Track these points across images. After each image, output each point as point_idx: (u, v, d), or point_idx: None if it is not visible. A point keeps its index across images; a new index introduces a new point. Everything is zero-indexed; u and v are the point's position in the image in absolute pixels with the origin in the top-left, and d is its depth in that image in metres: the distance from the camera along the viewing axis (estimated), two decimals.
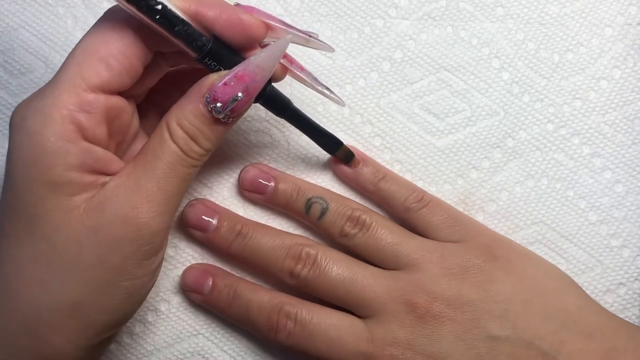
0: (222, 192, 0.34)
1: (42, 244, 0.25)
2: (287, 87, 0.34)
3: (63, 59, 0.33)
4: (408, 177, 0.34)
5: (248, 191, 0.33)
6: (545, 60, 0.35)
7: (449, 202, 0.34)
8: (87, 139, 0.25)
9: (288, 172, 0.34)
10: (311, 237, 0.34)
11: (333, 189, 0.34)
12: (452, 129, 0.34)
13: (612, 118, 0.34)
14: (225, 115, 0.26)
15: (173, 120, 0.26)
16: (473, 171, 0.34)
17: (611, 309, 0.34)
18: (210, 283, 0.32)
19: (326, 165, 0.34)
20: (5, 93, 0.34)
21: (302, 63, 0.34)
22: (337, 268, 0.31)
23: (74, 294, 0.25)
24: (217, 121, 0.26)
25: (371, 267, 0.32)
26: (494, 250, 0.31)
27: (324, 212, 0.32)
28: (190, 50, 0.25)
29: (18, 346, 0.25)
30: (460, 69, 0.34)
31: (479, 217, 0.34)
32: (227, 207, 0.34)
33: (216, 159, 0.34)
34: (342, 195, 0.33)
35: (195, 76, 0.29)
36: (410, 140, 0.34)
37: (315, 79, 0.30)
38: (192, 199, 0.33)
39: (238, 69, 0.25)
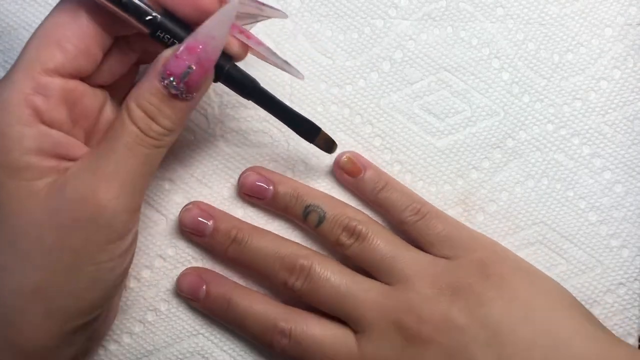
0: (222, 192, 0.34)
1: (2, 227, 0.24)
2: (287, 87, 0.34)
3: None
4: (408, 177, 0.34)
5: (248, 195, 0.33)
6: (545, 60, 0.35)
7: (449, 202, 0.34)
8: (44, 122, 0.24)
9: (288, 172, 0.34)
10: (310, 239, 0.34)
11: (332, 190, 0.34)
12: (452, 130, 0.34)
13: (612, 118, 0.34)
14: (182, 91, 0.25)
15: (131, 101, 0.25)
16: (473, 171, 0.34)
17: (612, 309, 0.34)
18: (204, 290, 0.32)
19: (326, 166, 0.34)
20: None
21: (302, 63, 0.34)
22: (331, 281, 0.31)
23: (36, 277, 0.25)
24: (174, 97, 0.25)
25: (366, 280, 0.32)
26: (487, 268, 0.31)
27: (321, 220, 0.32)
28: (142, 26, 0.25)
29: None
30: (460, 69, 0.34)
31: (479, 218, 0.34)
32: (227, 207, 0.34)
33: (216, 159, 0.34)
34: (340, 202, 0.33)
35: None
36: (410, 140, 0.34)
37: (274, 54, 0.28)
38: (188, 202, 0.33)
39: (188, 40, 0.25)
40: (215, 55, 0.25)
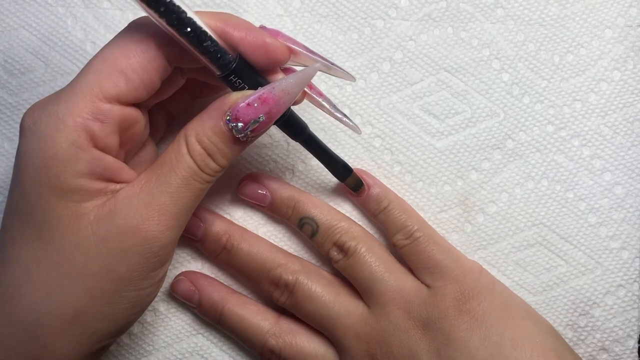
0: (222, 193, 0.34)
1: (49, 249, 0.24)
2: None
3: (63, 59, 0.34)
4: (408, 178, 0.34)
5: (247, 199, 0.33)
6: (546, 61, 0.34)
7: (448, 203, 0.34)
8: (98, 147, 0.25)
9: (287, 172, 0.34)
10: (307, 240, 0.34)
11: (330, 192, 0.34)
12: (452, 130, 0.34)
13: (612, 120, 0.34)
14: (245, 135, 0.26)
15: (192, 135, 0.26)
16: (473, 172, 0.34)
17: (611, 311, 0.34)
18: (197, 298, 0.32)
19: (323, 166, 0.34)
20: (5, 93, 0.34)
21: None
22: (312, 301, 0.31)
23: (78, 301, 0.25)
24: (236, 140, 0.26)
25: (348, 300, 0.32)
26: (462, 303, 0.30)
27: (314, 233, 0.32)
28: (215, 67, 0.25)
29: (18, 350, 0.25)
30: (461, 70, 0.34)
31: (479, 219, 0.34)
32: (227, 207, 0.34)
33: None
34: (336, 214, 0.33)
35: (205, 84, 0.29)
36: (410, 141, 0.34)
37: (334, 105, 0.30)
38: None
39: (264, 90, 0.25)
40: (285, 108, 0.26)
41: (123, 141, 0.26)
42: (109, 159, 0.25)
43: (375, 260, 0.32)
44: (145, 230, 0.25)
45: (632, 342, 0.34)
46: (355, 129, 0.30)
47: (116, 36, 0.25)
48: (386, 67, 0.34)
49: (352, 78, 0.30)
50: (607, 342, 0.33)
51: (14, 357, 0.25)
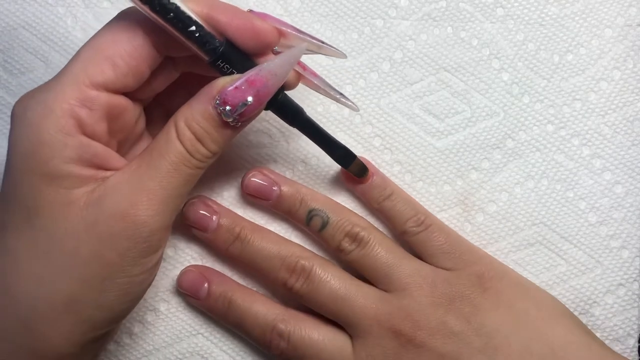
0: (222, 193, 0.34)
1: (39, 235, 0.25)
2: None
3: (63, 59, 0.34)
4: (407, 178, 0.34)
5: (251, 196, 0.33)
6: (545, 61, 0.35)
7: (448, 202, 0.34)
8: (86, 134, 0.25)
9: (287, 172, 0.34)
10: (310, 241, 0.34)
11: (331, 191, 0.34)
12: (452, 130, 0.34)
13: (612, 119, 0.34)
14: (234, 119, 0.26)
15: (181, 120, 0.26)
16: (473, 172, 0.34)
17: (611, 310, 0.34)
18: (206, 288, 0.32)
19: (326, 167, 0.34)
20: (5, 93, 0.34)
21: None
22: (330, 285, 0.31)
23: (70, 288, 0.25)
24: (225, 124, 0.26)
25: (365, 285, 0.32)
26: (485, 282, 0.31)
27: (324, 225, 0.32)
28: (202, 53, 0.25)
29: (12, 340, 0.25)
30: (460, 70, 0.34)
31: (479, 218, 0.34)
32: (227, 207, 0.34)
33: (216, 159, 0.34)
34: (344, 208, 0.33)
35: (202, 79, 0.29)
36: (410, 140, 0.34)
37: (329, 85, 0.30)
38: (192, 196, 0.33)
39: (250, 73, 0.25)
40: (274, 91, 0.26)
41: (113, 130, 0.26)
42: (98, 146, 0.25)
43: (389, 248, 0.32)
44: (134, 215, 0.25)
45: (632, 341, 0.34)
46: (353, 107, 0.30)
47: (105, 25, 0.25)
48: (386, 67, 0.34)
49: (343, 55, 0.29)
50: (607, 341, 0.33)
51: (8, 348, 0.25)
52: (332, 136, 0.31)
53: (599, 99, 0.34)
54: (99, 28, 0.34)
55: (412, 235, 0.32)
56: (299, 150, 0.34)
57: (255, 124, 0.34)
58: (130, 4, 0.24)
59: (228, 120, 0.26)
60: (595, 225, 0.34)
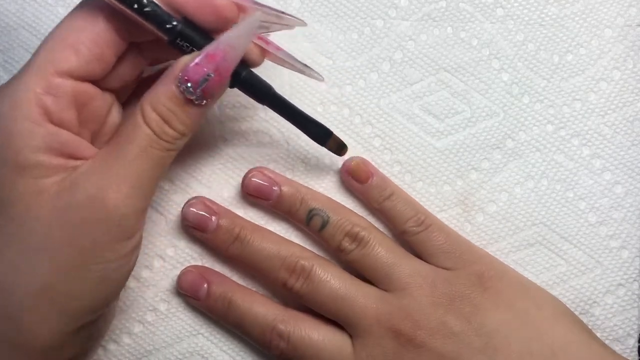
0: (222, 193, 0.34)
1: (12, 225, 0.25)
2: (286, 87, 0.34)
3: None
4: (407, 178, 0.34)
5: (251, 196, 0.33)
6: (545, 61, 0.35)
7: (448, 203, 0.34)
8: (53, 122, 0.25)
9: (287, 172, 0.34)
10: (310, 241, 0.34)
11: (331, 191, 0.34)
12: (451, 130, 0.34)
13: (611, 119, 0.34)
14: (198, 97, 0.25)
15: (147, 103, 0.25)
16: (473, 172, 0.34)
17: (611, 310, 0.34)
18: (205, 289, 0.32)
19: (326, 167, 0.34)
20: None
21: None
22: (330, 284, 0.31)
23: (44, 276, 0.25)
24: (190, 102, 0.25)
25: (364, 285, 0.32)
26: (485, 281, 0.31)
27: (324, 224, 0.32)
28: (161, 33, 0.25)
29: None
30: (460, 70, 0.34)
31: (479, 218, 0.34)
32: (227, 207, 0.34)
33: (216, 159, 0.34)
34: (344, 208, 0.33)
35: None
36: (410, 141, 0.34)
37: (294, 58, 0.29)
38: (191, 197, 0.33)
39: (208, 48, 0.25)
40: (234, 64, 0.26)
41: (83, 119, 0.26)
42: (66, 134, 0.25)
43: (389, 247, 0.32)
44: (104, 199, 0.25)
45: (632, 341, 0.34)
46: (318, 77, 0.30)
47: (67, 14, 0.26)
48: (386, 67, 0.34)
49: (303, 23, 0.29)
50: (607, 341, 0.33)
51: None
52: (305, 113, 0.30)
53: (598, 99, 0.34)
54: None
55: (412, 235, 0.32)
56: (299, 150, 0.34)
57: (255, 124, 0.34)
58: None
59: (192, 98, 0.25)
60: (595, 225, 0.34)
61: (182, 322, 0.34)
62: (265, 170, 0.33)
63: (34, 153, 0.24)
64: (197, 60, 0.25)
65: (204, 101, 0.26)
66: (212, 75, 0.25)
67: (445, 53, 0.34)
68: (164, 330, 0.34)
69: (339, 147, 0.32)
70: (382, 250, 0.32)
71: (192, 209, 0.32)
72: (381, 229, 0.34)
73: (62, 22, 0.25)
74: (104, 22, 0.25)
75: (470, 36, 0.34)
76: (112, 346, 0.33)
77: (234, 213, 0.33)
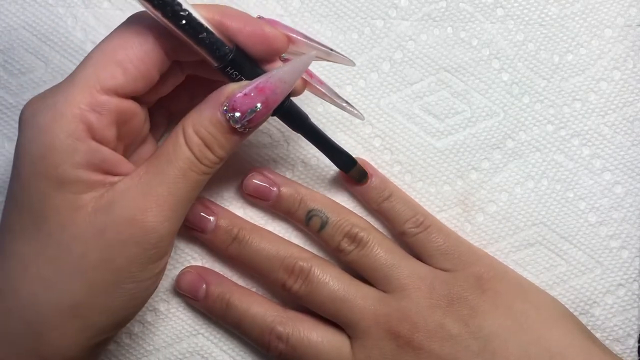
0: (222, 193, 0.34)
1: (47, 241, 0.24)
2: None
3: (63, 59, 0.34)
4: (407, 178, 0.34)
5: (251, 196, 0.33)
6: (545, 61, 0.35)
7: (448, 203, 0.34)
8: (95, 139, 0.25)
9: (287, 173, 0.34)
10: (309, 242, 0.34)
11: (331, 191, 0.34)
12: (452, 130, 0.34)
13: (611, 119, 0.34)
14: (242, 125, 0.26)
15: (189, 126, 0.26)
16: (473, 172, 0.34)
17: (611, 310, 0.34)
18: (204, 289, 0.32)
19: (325, 167, 0.34)
20: (5, 93, 0.34)
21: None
22: (329, 286, 0.31)
23: (77, 294, 0.25)
24: (233, 130, 0.26)
25: (363, 286, 0.32)
26: (483, 283, 0.31)
27: (323, 225, 0.32)
28: (212, 59, 0.25)
29: (17, 344, 0.25)
30: (460, 70, 0.34)
31: (479, 218, 0.34)
32: (226, 207, 0.34)
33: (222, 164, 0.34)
34: (344, 208, 0.33)
35: (205, 81, 0.29)
36: (410, 141, 0.34)
37: (335, 93, 0.30)
38: None
39: (260, 80, 0.25)
40: (282, 98, 0.26)
41: (121, 134, 0.26)
42: (107, 151, 0.25)
43: (388, 249, 0.32)
44: (143, 221, 0.25)
45: (632, 341, 0.34)
46: (359, 115, 0.31)
47: (115, 29, 0.25)
48: (386, 67, 0.34)
49: (351, 63, 0.30)
50: (607, 342, 0.33)
51: (14, 351, 0.25)
52: (334, 142, 0.31)
53: (598, 99, 0.34)
54: (99, 28, 0.34)
55: (411, 236, 0.32)
56: (299, 150, 0.34)
57: None
58: (141, 8, 0.24)
59: (236, 127, 0.26)
60: (595, 225, 0.34)
61: (182, 322, 0.34)
62: (264, 171, 0.33)
63: (75, 169, 0.24)
64: (246, 90, 0.25)
65: (247, 129, 0.26)
66: (260, 107, 0.25)
67: (445, 53, 0.34)
68: (164, 330, 0.34)
69: (361, 175, 0.33)
70: (381, 251, 0.32)
71: (191, 209, 0.32)
72: (381, 230, 0.34)
73: (110, 36, 0.25)
74: (153, 40, 0.25)
75: (470, 36, 0.34)
76: (112, 346, 0.33)
77: (233, 213, 0.33)
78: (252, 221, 0.34)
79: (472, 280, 0.31)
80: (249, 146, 0.34)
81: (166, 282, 0.34)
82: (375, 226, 0.34)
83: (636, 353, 0.34)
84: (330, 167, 0.34)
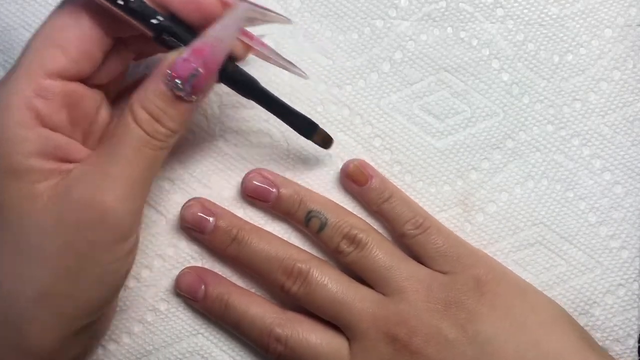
0: (222, 193, 0.34)
1: (6, 232, 0.24)
2: (286, 88, 0.34)
3: None
4: (407, 178, 0.34)
5: (250, 197, 0.33)
6: (545, 61, 0.35)
7: (448, 203, 0.34)
8: (45, 125, 0.24)
9: (287, 172, 0.34)
10: (309, 242, 0.34)
11: (331, 191, 0.34)
12: (451, 130, 0.34)
13: (611, 119, 0.34)
14: (187, 93, 0.25)
15: (136, 103, 0.25)
16: (473, 172, 0.34)
17: (611, 311, 0.34)
18: (203, 290, 0.32)
19: (326, 167, 0.34)
20: None
21: (302, 63, 0.34)
22: (327, 288, 0.31)
23: (42, 282, 0.25)
24: (179, 99, 0.25)
25: (362, 288, 0.32)
26: (482, 285, 0.31)
27: (322, 226, 0.32)
28: (146, 28, 0.25)
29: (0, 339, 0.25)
30: (460, 70, 0.34)
31: (479, 218, 0.34)
32: (226, 207, 0.34)
33: (216, 159, 0.34)
34: (343, 209, 0.33)
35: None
36: (410, 141, 0.34)
37: (278, 54, 0.29)
38: (190, 198, 0.33)
39: (195, 42, 0.25)
40: (222, 58, 0.25)
41: (74, 119, 0.26)
42: (59, 137, 0.25)
43: (387, 250, 0.32)
44: (100, 202, 0.24)
45: (632, 342, 0.34)
46: (302, 75, 0.30)
47: (50, 13, 0.25)
48: (386, 67, 0.34)
49: (288, 21, 0.29)
50: (607, 342, 0.33)
51: None
52: (290, 106, 0.30)
53: (598, 99, 0.34)
54: None
55: (410, 237, 0.32)
56: (299, 150, 0.34)
57: (255, 124, 0.34)
58: None
59: (181, 94, 0.25)
60: (595, 225, 0.34)
61: (182, 321, 0.34)
62: (264, 172, 0.33)
63: (27, 158, 0.24)
64: (184, 55, 0.25)
65: (194, 97, 0.25)
66: (201, 70, 0.25)
67: (445, 53, 0.34)
68: (164, 330, 0.34)
69: (325, 140, 0.32)
70: (380, 252, 0.32)
71: (190, 210, 0.32)
72: (382, 231, 0.34)
73: (46, 21, 0.25)
74: (88, 19, 0.25)
75: (470, 36, 0.34)
76: (112, 346, 0.33)
77: (232, 214, 0.33)
78: (252, 221, 0.34)
79: (471, 282, 0.31)
80: (249, 146, 0.34)
81: (166, 282, 0.34)
82: (376, 228, 0.34)
83: (636, 353, 0.34)
84: (330, 167, 0.34)
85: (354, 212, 0.34)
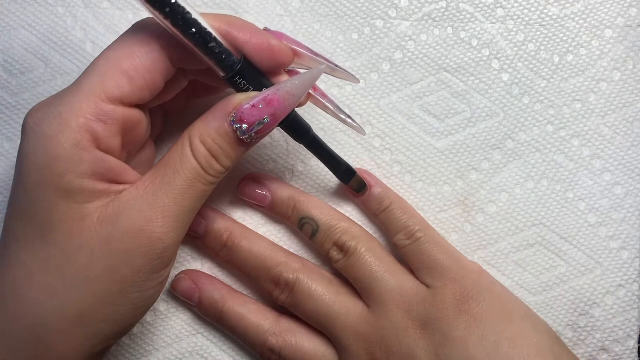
0: (222, 193, 0.34)
1: (53, 250, 0.24)
2: None
3: (63, 59, 0.34)
4: (407, 178, 0.34)
5: (247, 200, 0.33)
6: (545, 61, 0.34)
7: (448, 203, 0.34)
8: (100, 148, 0.25)
9: (287, 173, 0.34)
10: (308, 242, 0.34)
11: (330, 192, 0.34)
12: (452, 130, 0.34)
13: (611, 120, 0.34)
14: (250, 137, 0.26)
15: (196, 136, 0.25)
16: (473, 172, 0.34)
17: (611, 311, 0.34)
18: (198, 297, 0.32)
19: (325, 167, 0.34)
20: (5, 93, 0.34)
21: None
22: (313, 301, 0.31)
23: (82, 303, 0.25)
24: (240, 141, 0.26)
25: (348, 299, 0.32)
26: (462, 304, 0.30)
27: (314, 233, 0.32)
28: (219, 68, 0.25)
29: (22, 351, 0.25)
30: (460, 70, 0.34)
31: (479, 219, 0.34)
32: (226, 207, 0.34)
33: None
34: (336, 214, 0.33)
35: (202, 84, 0.28)
36: (410, 141, 0.34)
37: (338, 107, 0.30)
38: None
39: (268, 92, 0.25)
40: (290, 110, 0.26)
41: (125, 142, 0.26)
42: (112, 160, 0.25)
43: (375, 260, 0.32)
44: (149, 232, 0.25)
45: (632, 342, 0.34)
46: (360, 130, 0.31)
47: (120, 37, 0.25)
48: (386, 67, 0.34)
49: (355, 80, 0.30)
50: (607, 343, 0.33)
51: (18, 357, 0.25)
52: (335, 153, 0.31)
53: (599, 99, 0.34)
54: (99, 28, 0.34)
55: (400, 247, 0.32)
56: (299, 151, 0.34)
57: None
58: (142, 8, 0.24)
59: (243, 138, 0.26)
60: (595, 226, 0.34)
61: (182, 322, 0.34)
62: (259, 177, 0.33)
63: (80, 179, 0.24)
64: (254, 102, 0.25)
65: (253, 140, 0.26)
66: (268, 119, 0.25)
67: (445, 53, 0.34)
68: (164, 330, 0.34)
69: (360, 186, 0.33)
70: (369, 261, 0.31)
71: None
72: (381, 234, 0.34)
73: (116, 44, 0.25)
74: (159, 49, 0.25)
75: (470, 36, 0.34)
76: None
77: (224, 217, 0.33)
78: (252, 221, 0.34)
79: (450, 300, 0.30)
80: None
81: (167, 282, 0.34)
82: (378, 234, 0.34)
83: (636, 354, 0.34)
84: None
85: (353, 214, 0.34)
